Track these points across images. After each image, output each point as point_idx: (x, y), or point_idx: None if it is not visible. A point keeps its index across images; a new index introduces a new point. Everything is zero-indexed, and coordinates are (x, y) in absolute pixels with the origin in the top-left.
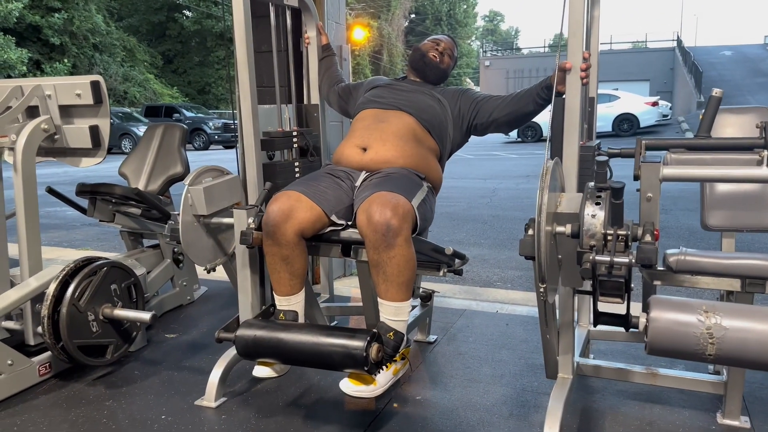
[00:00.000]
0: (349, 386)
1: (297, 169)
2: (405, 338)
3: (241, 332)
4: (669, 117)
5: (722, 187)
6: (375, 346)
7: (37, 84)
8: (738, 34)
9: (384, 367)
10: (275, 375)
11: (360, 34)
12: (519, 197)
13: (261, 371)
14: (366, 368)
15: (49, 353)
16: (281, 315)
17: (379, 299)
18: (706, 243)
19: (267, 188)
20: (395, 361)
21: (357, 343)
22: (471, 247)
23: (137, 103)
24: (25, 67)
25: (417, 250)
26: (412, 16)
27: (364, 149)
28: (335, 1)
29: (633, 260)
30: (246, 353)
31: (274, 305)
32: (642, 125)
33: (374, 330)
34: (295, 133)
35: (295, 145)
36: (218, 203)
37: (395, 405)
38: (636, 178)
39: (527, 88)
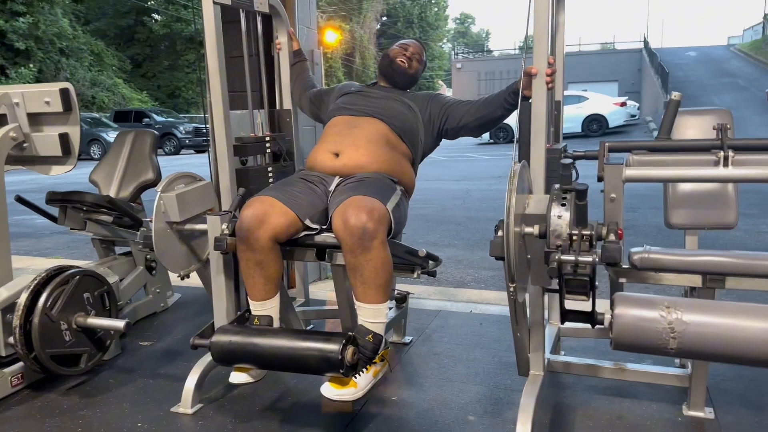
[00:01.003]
0: (330, 390)
1: (270, 174)
2: (383, 340)
3: (216, 338)
4: (637, 117)
5: (684, 187)
6: (350, 349)
7: (4, 92)
8: (702, 35)
9: (364, 369)
10: (252, 380)
11: (332, 37)
12: (492, 198)
13: (237, 377)
14: (342, 371)
15: (21, 364)
16: (256, 320)
17: (356, 303)
18: (673, 240)
19: (241, 194)
20: (374, 363)
21: (332, 347)
22: (445, 248)
23: (106, 108)
24: None
25: (391, 253)
26: (384, 18)
27: (337, 154)
28: (306, 6)
29: (597, 259)
30: (221, 359)
31: (249, 311)
32: (611, 125)
33: (350, 333)
34: (267, 138)
35: (268, 150)
36: (191, 210)
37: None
38: (600, 179)
39: (495, 93)
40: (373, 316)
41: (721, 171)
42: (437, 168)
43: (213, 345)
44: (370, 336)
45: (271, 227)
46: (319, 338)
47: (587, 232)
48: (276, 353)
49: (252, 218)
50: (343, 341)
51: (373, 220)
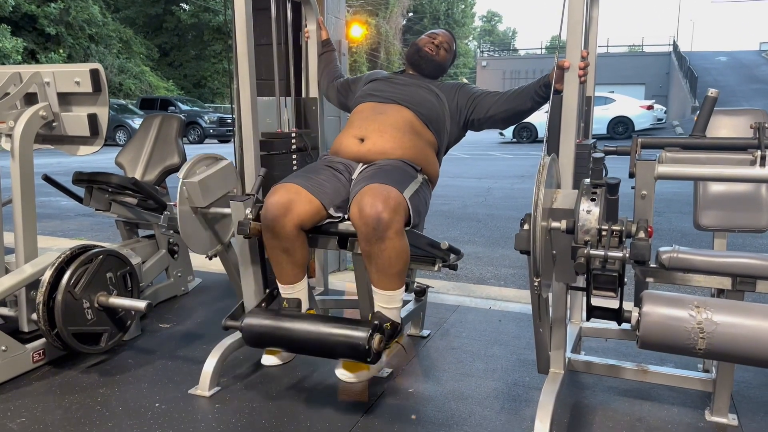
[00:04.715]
0: (344, 373)
1: (294, 160)
2: (399, 327)
3: (248, 321)
4: (664, 121)
5: (715, 188)
6: (377, 337)
7: (35, 71)
8: (734, 40)
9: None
10: (280, 363)
11: (358, 32)
12: (514, 197)
13: (268, 359)
14: (369, 359)
15: (43, 340)
16: (285, 303)
17: (372, 288)
18: (698, 245)
19: (262, 174)
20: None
21: (360, 334)
22: (465, 245)
23: (132, 96)
24: (20, 57)
25: (413, 244)
26: (410, 14)
27: (362, 140)
28: None
29: (627, 255)
30: (253, 342)
31: (276, 288)
32: (637, 128)
33: (376, 321)
34: (293, 135)
35: (294, 146)
36: (214, 193)
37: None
38: (631, 175)
39: (525, 85)
40: (387, 301)
41: (757, 171)
42: (460, 165)
43: (244, 328)
44: (388, 324)
45: (297, 215)
46: (348, 326)
47: (617, 228)
48: (305, 338)
49: (277, 206)
50: (370, 330)
51: (388, 209)
